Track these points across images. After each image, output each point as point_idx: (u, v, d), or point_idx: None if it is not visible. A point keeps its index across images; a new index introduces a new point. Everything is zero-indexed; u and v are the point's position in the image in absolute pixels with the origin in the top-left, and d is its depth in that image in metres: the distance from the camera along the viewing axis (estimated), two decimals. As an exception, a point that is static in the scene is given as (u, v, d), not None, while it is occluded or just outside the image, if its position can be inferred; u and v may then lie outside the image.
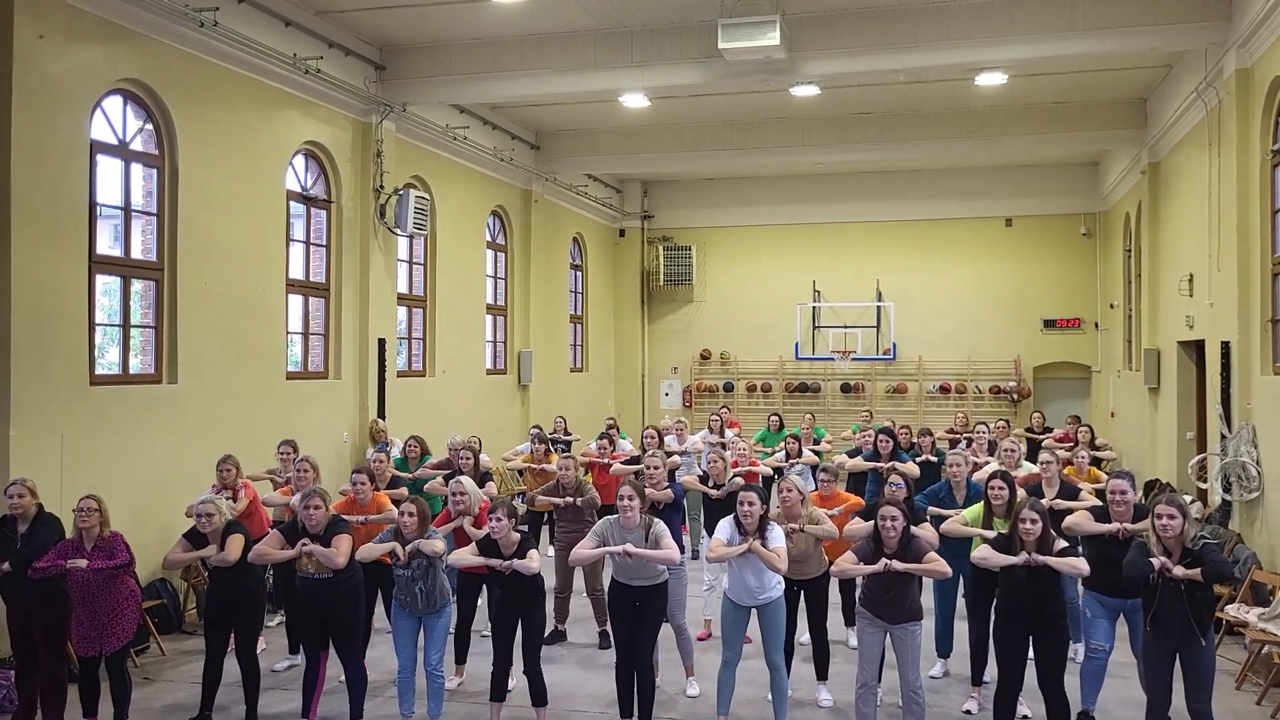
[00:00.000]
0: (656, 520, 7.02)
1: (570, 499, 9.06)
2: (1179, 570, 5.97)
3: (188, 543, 7.17)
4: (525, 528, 7.57)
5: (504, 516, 6.83)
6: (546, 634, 8.68)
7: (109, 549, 6.88)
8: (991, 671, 7.40)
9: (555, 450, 11.41)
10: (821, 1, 11.79)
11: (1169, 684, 6.17)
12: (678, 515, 9.20)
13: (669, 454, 10.97)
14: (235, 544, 7.04)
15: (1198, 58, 12.36)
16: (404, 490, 9.17)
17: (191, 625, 9.80)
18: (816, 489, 8.75)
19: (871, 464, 10.70)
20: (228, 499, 8.33)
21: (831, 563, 7.84)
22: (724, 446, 10.08)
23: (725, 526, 6.96)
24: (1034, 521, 6.43)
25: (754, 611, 6.96)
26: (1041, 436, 15.01)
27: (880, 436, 10.91)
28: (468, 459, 9.80)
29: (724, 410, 15.29)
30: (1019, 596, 6.43)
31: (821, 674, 7.84)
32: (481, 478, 9.62)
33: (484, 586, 8.23)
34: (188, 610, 10.03)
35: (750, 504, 6.79)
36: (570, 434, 14.64)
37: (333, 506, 7.35)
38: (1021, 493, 7.73)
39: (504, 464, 12.72)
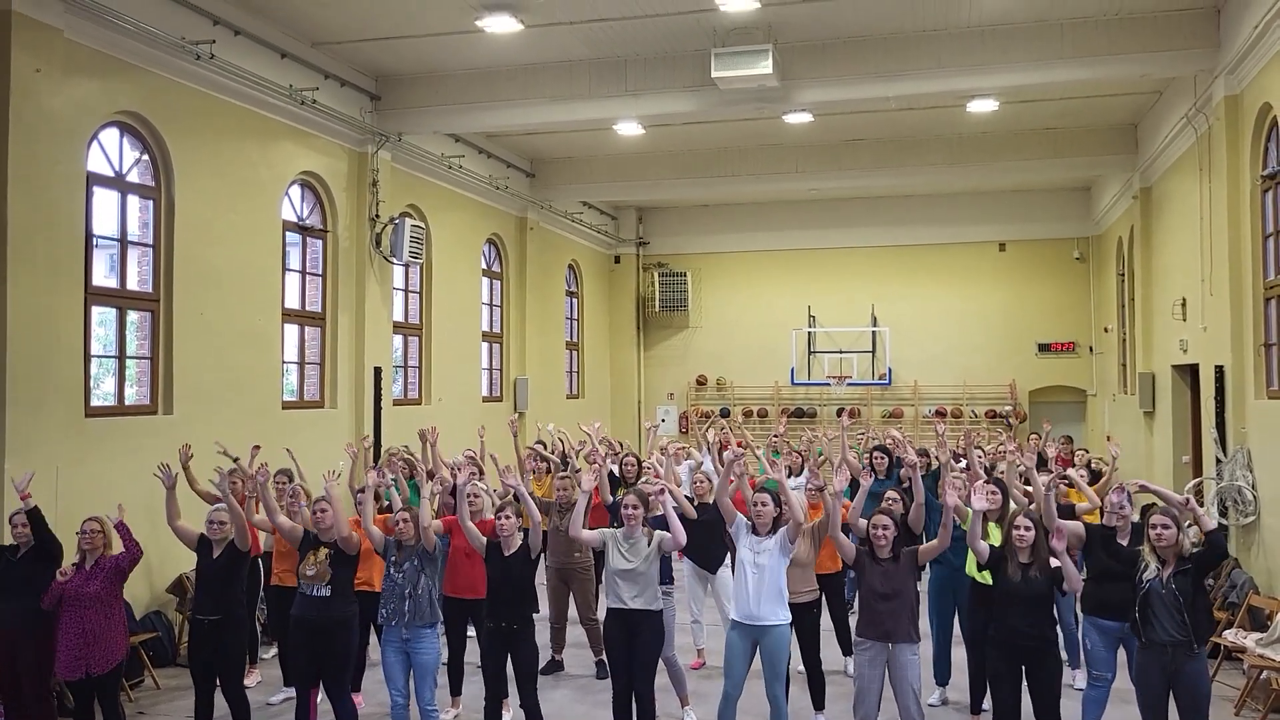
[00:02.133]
0: (658, 531, 7.08)
1: (560, 525, 9.07)
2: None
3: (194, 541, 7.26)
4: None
5: (512, 515, 7.01)
6: (543, 664, 8.64)
7: (113, 563, 6.95)
8: (990, 699, 7.37)
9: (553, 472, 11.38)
10: (814, 30, 11.89)
11: (1165, 713, 6.16)
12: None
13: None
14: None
15: (1187, 84, 12.47)
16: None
17: (186, 658, 9.73)
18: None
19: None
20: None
21: (821, 589, 7.89)
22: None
23: (741, 527, 7.01)
24: (1028, 529, 6.44)
25: (757, 646, 6.92)
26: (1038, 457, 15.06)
27: (875, 454, 10.93)
28: (474, 473, 9.84)
29: (724, 430, 15.21)
30: (1012, 624, 6.40)
31: (818, 703, 7.81)
32: None
33: (470, 618, 8.21)
34: (182, 643, 9.95)
35: (764, 504, 6.90)
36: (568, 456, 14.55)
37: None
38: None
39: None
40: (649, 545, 6.95)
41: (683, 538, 7.02)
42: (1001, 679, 6.50)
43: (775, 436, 14.39)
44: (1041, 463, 14.06)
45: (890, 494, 8.05)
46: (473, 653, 8.59)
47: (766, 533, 6.87)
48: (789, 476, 11.54)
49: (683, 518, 8.67)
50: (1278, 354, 10.20)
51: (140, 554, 7.08)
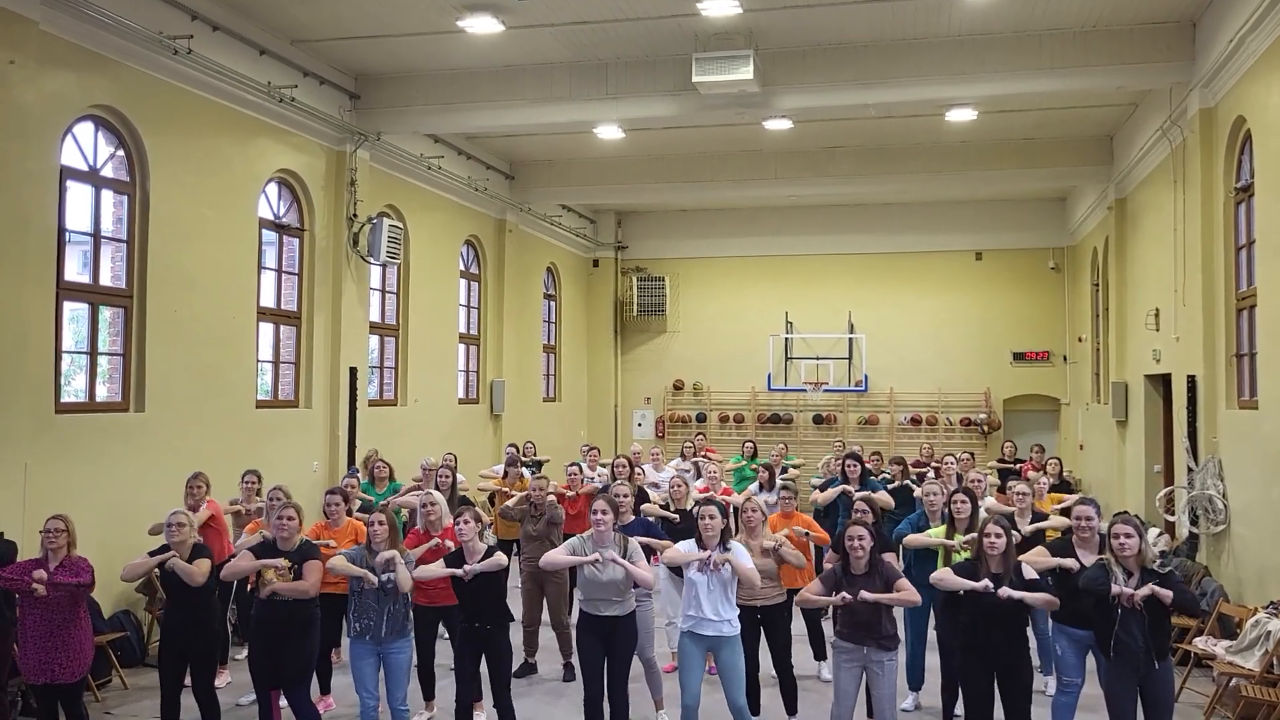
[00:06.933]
0: (632, 539, 7.03)
1: (533, 529, 9.08)
2: (1141, 592, 5.99)
3: (149, 558, 7.05)
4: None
5: (471, 520, 6.87)
6: (516, 667, 8.61)
7: (74, 569, 6.81)
8: (963, 705, 7.38)
9: (527, 475, 11.36)
10: (795, 36, 11.93)
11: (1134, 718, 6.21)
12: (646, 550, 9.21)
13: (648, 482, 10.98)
14: (203, 565, 6.89)
15: (1162, 97, 12.59)
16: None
17: (154, 658, 9.62)
18: (778, 508, 8.91)
19: (840, 488, 10.74)
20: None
21: (790, 589, 7.86)
22: (697, 472, 10.11)
23: (686, 542, 6.97)
24: (998, 536, 6.44)
25: (710, 655, 6.89)
26: (1014, 465, 15.30)
27: (848, 461, 10.97)
28: (446, 478, 9.80)
29: (699, 437, 15.25)
30: (985, 636, 6.39)
31: (790, 709, 7.77)
32: (460, 500, 9.65)
33: (439, 623, 8.14)
34: (150, 643, 9.84)
35: (710, 517, 6.76)
36: (540, 458, 14.54)
37: (305, 532, 7.27)
38: (984, 511, 7.92)
39: (479, 481, 12.63)
40: (624, 556, 6.85)
41: (651, 583, 6.95)
42: (975, 688, 6.48)
43: (747, 443, 14.43)
44: (1014, 473, 14.22)
45: (859, 504, 8.05)
46: (445, 655, 8.54)
47: (715, 546, 6.76)
48: (759, 491, 11.57)
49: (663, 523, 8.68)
50: (1249, 364, 10.30)
51: (93, 585, 6.97)
